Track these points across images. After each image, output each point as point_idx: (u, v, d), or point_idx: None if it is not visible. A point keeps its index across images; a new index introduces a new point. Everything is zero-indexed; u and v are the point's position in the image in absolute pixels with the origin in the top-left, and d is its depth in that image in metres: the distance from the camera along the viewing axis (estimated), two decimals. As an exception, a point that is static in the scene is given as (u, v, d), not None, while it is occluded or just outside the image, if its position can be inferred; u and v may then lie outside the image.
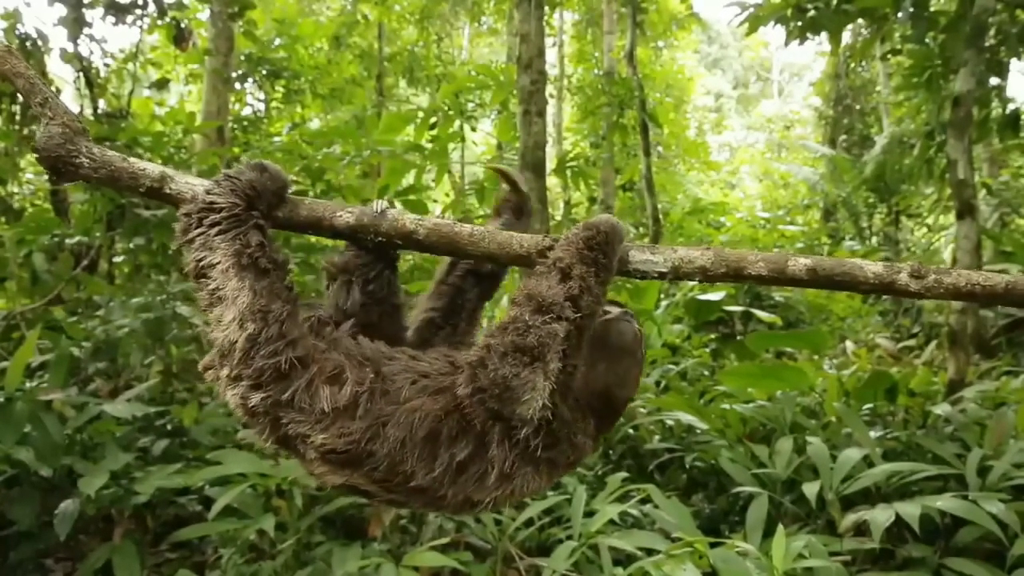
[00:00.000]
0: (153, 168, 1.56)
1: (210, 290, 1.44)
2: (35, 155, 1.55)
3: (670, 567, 3.08)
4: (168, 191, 1.54)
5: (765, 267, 1.46)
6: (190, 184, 1.55)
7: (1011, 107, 8.17)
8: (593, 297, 1.39)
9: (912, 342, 10.08)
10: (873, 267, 1.44)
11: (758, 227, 15.08)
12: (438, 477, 1.39)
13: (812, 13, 7.53)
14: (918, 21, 7.00)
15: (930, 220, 15.19)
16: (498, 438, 1.38)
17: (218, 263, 1.43)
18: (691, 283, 7.54)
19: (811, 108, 26.81)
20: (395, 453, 1.39)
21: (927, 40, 7.71)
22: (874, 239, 15.32)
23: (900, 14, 7.02)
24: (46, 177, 7.74)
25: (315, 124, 15.95)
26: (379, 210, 1.53)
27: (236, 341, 1.41)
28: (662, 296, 8.00)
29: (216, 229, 1.45)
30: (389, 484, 1.43)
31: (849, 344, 9.71)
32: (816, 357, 7.71)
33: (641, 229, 16.11)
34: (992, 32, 7.76)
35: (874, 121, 18.86)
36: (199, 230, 1.46)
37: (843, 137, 19.00)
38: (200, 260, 1.45)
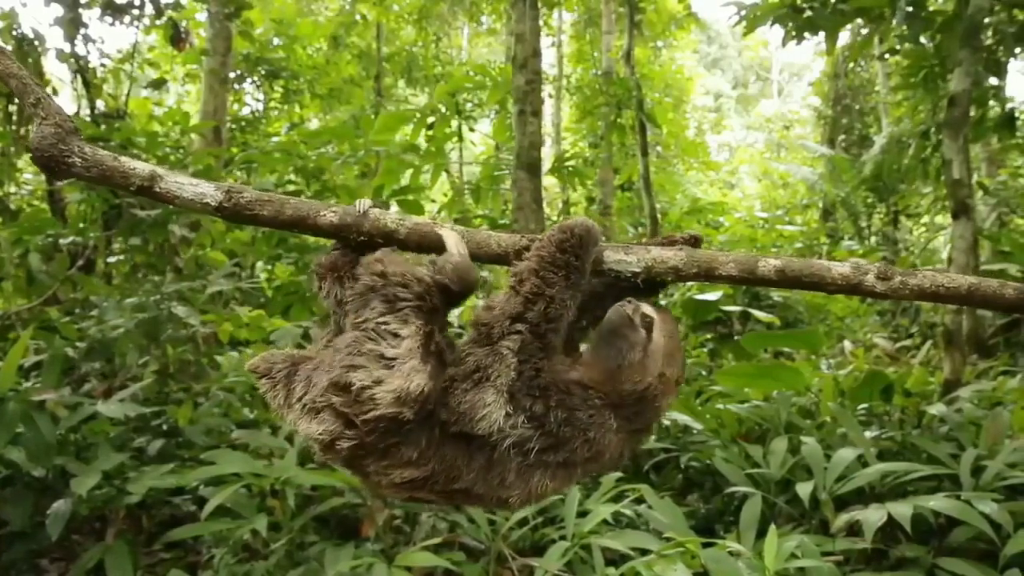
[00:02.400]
0: (143, 167, 1.57)
1: (377, 351, 1.43)
2: (29, 154, 1.56)
3: (661, 567, 3.08)
4: (158, 190, 1.56)
5: (736, 268, 1.49)
6: (179, 183, 1.56)
7: (1007, 107, 8.17)
8: (555, 303, 1.43)
9: (910, 342, 10.08)
10: (840, 268, 1.48)
11: (757, 227, 15.07)
12: (473, 478, 1.45)
13: (808, 13, 7.53)
14: (914, 21, 7.00)
15: (926, 219, 15.20)
16: (490, 449, 1.44)
17: (404, 336, 1.44)
18: (689, 283, 7.53)
19: (810, 108, 26.81)
20: (455, 466, 1.45)
21: (923, 40, 7.71)
22: (873, 239, 15.31)
23: (896, 14, 7.01)
24: (43, 177, 7.75)
25: (314, 124, 15.96)
26: (361, 210, 1.55)
27: (378, 406, 1.39)
28: (660, 296, 7.98)
29: (410, 306, 1.46)
30: (447, 492, 1.49)
31: (847, 344, 9.70)
32: (813, 357, 7.70)
33: (640, 229, 16.12)
34: (990, 32, 7.76)
35: (873, 121, 18.86)
36: (383, 297, 1.46)
37: (842, 137, 18.99)
38: (380, 322, 1.45)
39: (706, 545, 3.36)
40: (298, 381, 1.48)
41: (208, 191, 1.56)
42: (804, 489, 4.16)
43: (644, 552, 3.56)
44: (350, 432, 1.41)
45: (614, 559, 3.80)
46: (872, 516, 3.70)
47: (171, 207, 2.63)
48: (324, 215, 1.56)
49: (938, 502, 3.78)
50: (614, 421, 1.50)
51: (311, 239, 5.95)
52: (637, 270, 1.50)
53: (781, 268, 1.50)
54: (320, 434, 1.43)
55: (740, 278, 1.52)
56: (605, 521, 3.91)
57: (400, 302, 1.45)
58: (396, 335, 1.43)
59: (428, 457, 1.44)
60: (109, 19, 8.34)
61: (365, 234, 1.56)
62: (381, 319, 1.45)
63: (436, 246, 1.54)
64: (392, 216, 1.55)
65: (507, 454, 1.43)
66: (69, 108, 8.92)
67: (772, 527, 3.27)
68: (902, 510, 3.66)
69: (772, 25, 7.93)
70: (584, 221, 1.49)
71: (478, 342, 1.44)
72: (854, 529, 3.99)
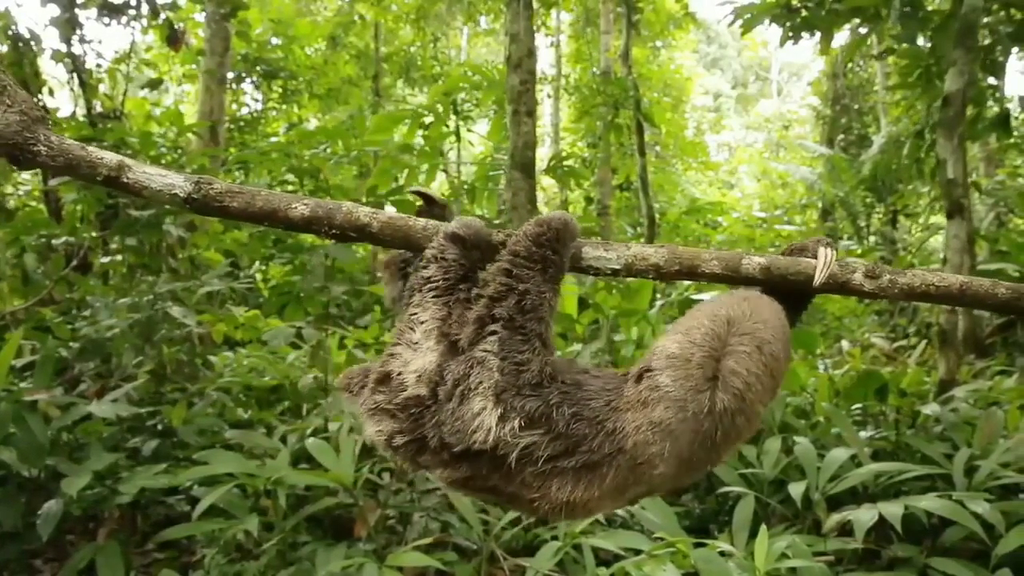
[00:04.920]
0: (111, 157, 1.54)
1: (409, 338, 1.51)
2: None
3: (651, 567, 3.07)
4: (126, 180, 1.53)
5: (719, 265, 1.47)
6: (148, 174, 1.54)
7: (1004, 106, 8.15)
8: (529, 295, 1.39)
9: (907, 342, 10.06)
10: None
11: (755, 227, 15.07)
12: (502, 477, 1.41)
13: (804, 13, 7.52)
14: (909, 20, 6.98)
15: (922, 219, 15.19)
16: (503, 460, 1.37)
17: (425, 320, 1.50)
18: (687, 283, 7.50)
19: (809, 108, 26.78)
20: (481, 473, 1.43)
21: (919, 39, 7.69)
22: (872, 239, 15.30)
23: (892, 14, 6.99)
24: (40, 177, 7.74)
25: (312, 125, 15.96)
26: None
27: (407, 387, 1.46)
28: (658, 296, 7.96)
29: (432, 293, 1.51)
30: (488, 490, 1.47)
31: (845, 343, 9.68)
32: (810, 357, 7.68)
33: (639, 229, 16.11)
34: (987, 32, 7.74)
35: (872, 121, 18.84)
36: (419, 296, 1.54)
37: (841, 137, 18.97)
38: (411, 312, 1.54)
39: (697, 545, 3.35)
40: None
41: (177, 182, 1.54)
42: (796, 489, 4.15)
43: (636, 552, 3.55)
44: (395, 424, 1.46)
45: (607, 559, 3.79)
46: (863, 516, 3.69)
47: (166, 207, 2.61)
48: (295, 208, 1.54)
49: (930, 502, 3.77)
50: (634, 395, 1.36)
51: (308, 238, 5.94)
52: (617, 267, 1.49)
53: (766, 266, 1.47)
54: (378, 433, 1.49)
55: (724, 276, 1.49)
56: (597, 521, 3.91)
57: (425, 284, 1.52)
58: (421, 321, 1.50)
59: (459, 462, 1.42)
60: (105, 19, 8.33)
61: (337, 227, 1.54)
62: (412, 309, 1.53)
63: (408, 240, 1.54)
64: (365, 210, 1.54)
65: (519, 464, 1.36)
66: (66, 109, 8.92)
67: (763, 527, 3.26)
68: (893, 510, 3.66)
69: (769, 24, 7.93)
70: (561, 215, 1.47)
71: (449, 354, 1.42)
72: (847, 529, 3.99)
